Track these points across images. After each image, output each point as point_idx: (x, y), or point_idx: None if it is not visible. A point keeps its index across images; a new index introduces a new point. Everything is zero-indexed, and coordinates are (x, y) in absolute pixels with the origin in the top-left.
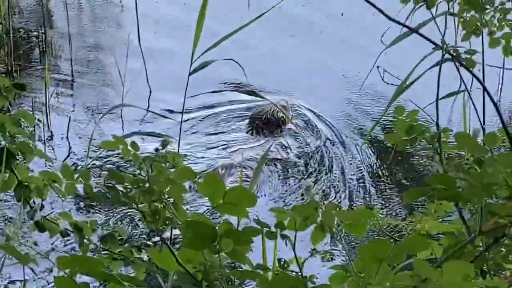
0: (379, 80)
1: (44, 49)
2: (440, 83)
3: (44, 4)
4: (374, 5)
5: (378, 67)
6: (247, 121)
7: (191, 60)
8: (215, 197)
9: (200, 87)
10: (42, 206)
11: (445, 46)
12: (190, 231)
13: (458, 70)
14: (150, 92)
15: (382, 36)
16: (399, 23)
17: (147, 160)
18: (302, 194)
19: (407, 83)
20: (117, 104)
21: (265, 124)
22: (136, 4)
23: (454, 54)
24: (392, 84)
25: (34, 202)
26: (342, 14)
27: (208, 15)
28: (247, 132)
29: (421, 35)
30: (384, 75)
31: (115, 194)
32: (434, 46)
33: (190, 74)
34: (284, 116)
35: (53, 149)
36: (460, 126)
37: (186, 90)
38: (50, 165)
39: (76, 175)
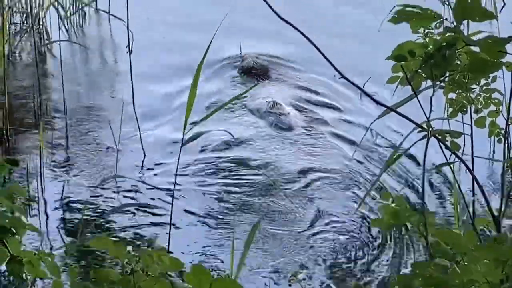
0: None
1: (39, 113)
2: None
3: (40, 62)
4: (361, 89)
5: (371, 130)
6: (238, 77)
7: (183, 130)
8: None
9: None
10: (34, 280)
11: (430, 129)
12: None
13: (442, 150)
14: (145, 155)
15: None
16: (383, 105)
17: (132, 258)
18: (289, 281)
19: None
20: (108, 176)
21: (258, 70)
22: (130, 66)
23: (439, 136)
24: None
25: (26, 277)
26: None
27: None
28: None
29: (401, 114)
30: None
31: None
32: (419, 128)
33: (183, 145)
34: (266, 64)
35: (47, 216)
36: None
37: (179, 157)
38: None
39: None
